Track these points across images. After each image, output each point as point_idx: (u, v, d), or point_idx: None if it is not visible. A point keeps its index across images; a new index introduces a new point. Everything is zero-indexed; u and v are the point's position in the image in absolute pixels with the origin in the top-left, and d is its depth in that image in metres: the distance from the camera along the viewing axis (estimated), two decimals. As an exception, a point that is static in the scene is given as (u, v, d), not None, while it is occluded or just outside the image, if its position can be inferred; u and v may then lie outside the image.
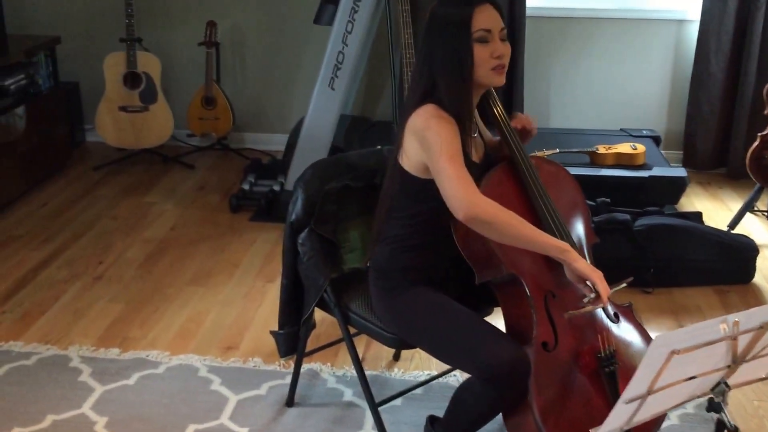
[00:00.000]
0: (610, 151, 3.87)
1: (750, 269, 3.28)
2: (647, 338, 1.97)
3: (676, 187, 3.74)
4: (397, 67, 3.52)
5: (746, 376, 1.38)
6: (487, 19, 1.84)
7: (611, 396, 1.83)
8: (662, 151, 4.20)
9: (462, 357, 1.87)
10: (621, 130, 4.43)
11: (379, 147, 2.34)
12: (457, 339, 1.88)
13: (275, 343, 2.37)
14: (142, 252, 3.55)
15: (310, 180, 2.19)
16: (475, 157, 1.97)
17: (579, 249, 1.95)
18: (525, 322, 1.88)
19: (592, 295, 1.79)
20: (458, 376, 2.60)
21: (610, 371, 1.83)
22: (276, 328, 2.36)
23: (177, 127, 4.56)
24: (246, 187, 4.09)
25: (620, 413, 1.27)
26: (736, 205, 4.14)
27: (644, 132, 4.37)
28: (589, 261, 1.97)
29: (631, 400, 1.25)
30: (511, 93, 4.40)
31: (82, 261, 3.45)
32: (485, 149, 2.04)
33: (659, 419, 1.92)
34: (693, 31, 4.39)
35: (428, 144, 1.83)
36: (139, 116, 4.38)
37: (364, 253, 2.36)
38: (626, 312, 1.99)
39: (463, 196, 1.77)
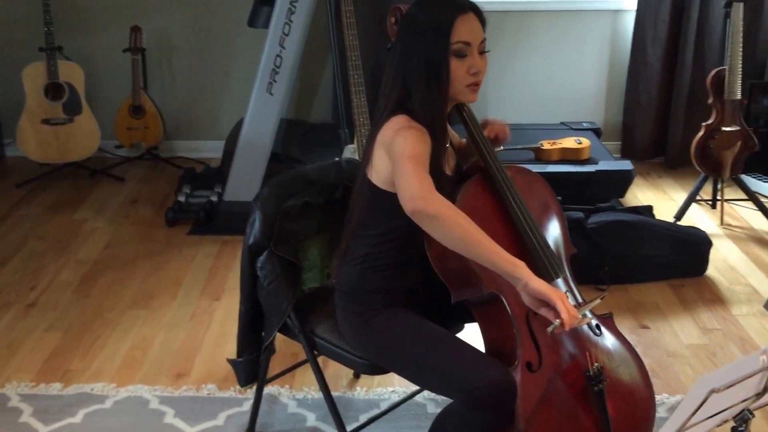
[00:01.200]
0: (555, 147, 3.84)
1: (703, 262, 3.29)
2: (631, 350, 1.91)
3: (623, 181, 3.73)
4: (339, 69, 3.39)
5: (765, 400, 1.32)
6: (468, 30, 1.73)
7: (600, 415, 1.76)
8: (602, 143, 4.19)
9: (445, 383, 1.77)
10: (561, 123, 4.42)
11: (337, 159, 2.22)
12: (438, 364, 1.77)
13: (234, 373, 2.23)
14: (77, 274, 3.33)
15: (267, 198, 2.05)
16: (448, 169, 1.87)
17: (558, 261, 1.87)
18: (507, 342, 1.79)
19: (557, 322, 1.59)
20: (426, 394, 2.50)
21: (599, 389, 1.75)
22: (229, 352, 2.21)
23: (104, 138, 4.33)
24: (182, 198, 3.90)
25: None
26: (677, 194, 4.18)
27: (584, 124, 4.37)
28: (568, 273, 1.89)
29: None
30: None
31: (12, 287, 3.21)
32: (456, 159, 1.94)
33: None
34: (629, 21, 4.40)
35: (394, 151, 1.72)
36: (63, 129, 4.13)
37: (323, 271, 2.24)
38: (608, 323, 1.93)
39: (414, 189, 1.64)
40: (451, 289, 1.83)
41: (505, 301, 1.77)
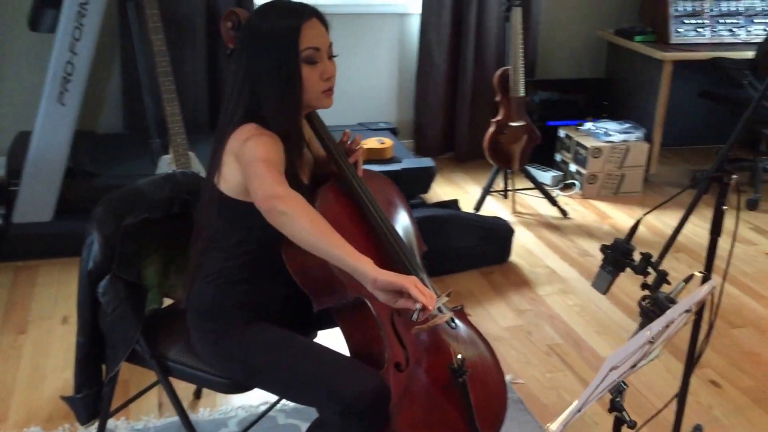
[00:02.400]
0: (359, 148, 3.91)
1: (507, 249, 3.52)
2: (483, 339, 2.01)
3: (427, 177, 3.89)
4: (147, 76, 3.20)
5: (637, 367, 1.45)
6: (315, 35, 1.72)
7: (465, 405, 1.83)
8: (402, 142, 4.35)
9: (318, 395, 1.75)
10: (359, 124, 4.51)
11: (171, 172, 2.11)
12: (310, 376, 1.75)
13: (72, 411, 2.05)
14: None
15: (103, 218, 1.91)
16: (304, 177, 1.84)
17: (416, 260, 1.92)
18: (374, 346, 1.81)
19: (419, 306, 1.56)
20: (279, 405, 2.45)
21: (463, 381, 1.82)
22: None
23: None
24: (-41, 223, 3.50)
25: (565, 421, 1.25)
26: (470, 187, 4.44)
27: (381, 124, 4.50)
28: (425, 272, 1.94)
29: (565, 423, 1.24)
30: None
31: None
32: (313, 167, 1.92)
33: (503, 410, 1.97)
34: (415, 24, 4.58)
35: (245, 156, 1.67)
36: None
37: (161, 292, 2.14)
38: (460, 315, 2.01)
39: (268, 188, 1.61)
40: (313, 299, 1.81)
41: (370, 304, 1.78)
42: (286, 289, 1.86)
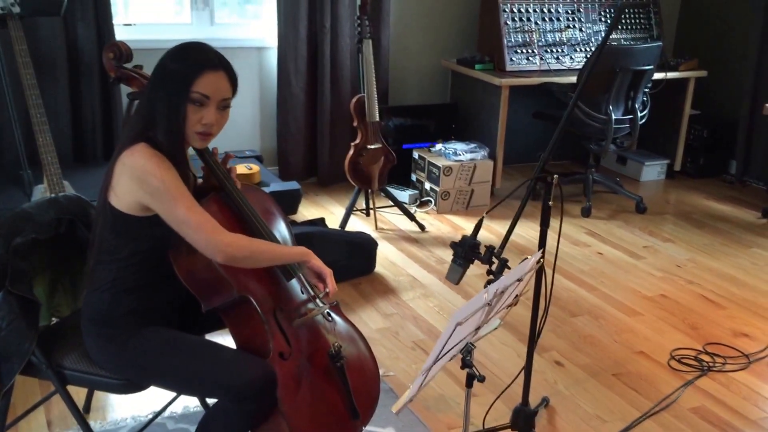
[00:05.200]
0: (227, 174, 4.10)
1: (372, 261, 3.81)
2: (357, 331, 2.26)
3: (294, 199, 4.13)
4: (14, 109, 3.25)
5: (481, 333, 1.74)
6: (210, 85, 1.92)
7: (343, 388, 2.07)
8: (268, 169, 4.57)
9: (211, 386, 1.95)
10: (225, 153, 4.68)
11: (54, 196, 2.25)
12: (203, 370, 1.94)
13: (-34, 429, 2.13)
14: None
15: (-7, 239, 2.03)
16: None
17: (294, 262, 2.16)
18: (259, 339, 2.02)
19: (327, 290, 2.10)
20: (167, 413, 2.59)
21: (341, 365, 2.06)
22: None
23: None
24: None
25: (417, 383, 1.52)
26: (334, 207, 4.71)
27: (247, 153, 4.71)
28: (302, 270, 2.18)
29: (426, 370, 1.50)
30: (111, 123, 4.37)
31: None
32: (194, 180, 2.13)
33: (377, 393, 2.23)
34: (273, 57, 4.83)
35: (153, 189, 1.86)
36: None
37: (48, 311, 2.27)
38: (336, 310, 2.25)
39: (215, 240, 1.89)
40: (202, 300, 2.01)
41: (254, 301, 2.00)
42: (175, 294, 2.06)
